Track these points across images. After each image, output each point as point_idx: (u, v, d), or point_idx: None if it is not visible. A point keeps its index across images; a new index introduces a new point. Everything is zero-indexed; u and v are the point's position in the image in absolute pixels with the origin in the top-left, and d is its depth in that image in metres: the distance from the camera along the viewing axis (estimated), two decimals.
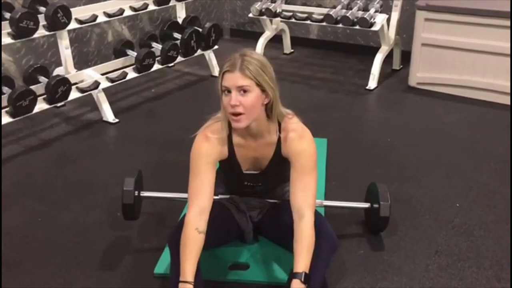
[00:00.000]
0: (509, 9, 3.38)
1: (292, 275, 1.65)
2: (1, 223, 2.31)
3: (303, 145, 1.81)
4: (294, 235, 1.73)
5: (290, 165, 1.82)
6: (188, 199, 1.79)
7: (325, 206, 2.22)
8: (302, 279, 1.63)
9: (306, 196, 1.77)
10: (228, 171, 2.00)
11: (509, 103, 3.54)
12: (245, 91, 1.67)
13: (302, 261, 1.66)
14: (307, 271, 1.65)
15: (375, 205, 2.11)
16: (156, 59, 3.77)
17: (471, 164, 2.82)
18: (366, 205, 2.21)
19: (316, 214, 1.85)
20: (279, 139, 1.84)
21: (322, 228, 1.79)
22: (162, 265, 1.99)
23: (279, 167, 1.92)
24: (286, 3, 4.29)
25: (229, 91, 1.68)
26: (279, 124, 1.84)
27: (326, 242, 1.76)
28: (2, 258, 2.08)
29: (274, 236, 2.06)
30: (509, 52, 3.44)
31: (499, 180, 2.64)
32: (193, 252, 1.69)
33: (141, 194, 2.22)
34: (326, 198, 2.37)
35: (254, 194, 2.05)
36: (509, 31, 3.40)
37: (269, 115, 1.79)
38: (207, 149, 1.81)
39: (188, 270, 1.65)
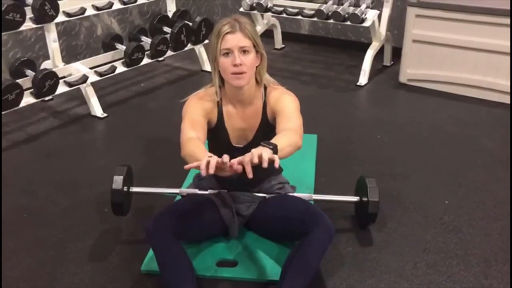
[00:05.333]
0: (499, 7, 3.39)
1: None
2: (1, 220, 2.29)
3: (286, 97, 1.92)
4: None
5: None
6: (180, 139, 1.80)
7: (314, 200, 2.21)
8: (269, 145, 1.59)
9: (292, 127, 1.79)
10: (216, 145, 2.01)
11: (498, 100, 3.55)
12: (245, 51, 1.79)
13: (277, 139, 1.66)
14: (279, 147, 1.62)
15: (364, 198, 2.11)
16: (146, 53, 3.74)
17: (460, 161, 2.83)
18: (355, 198, 2.20)
19: (313, 205, 1.86)
20: (265, 104, 1.93)
21: (319, 217, 1.81)
22: (149, 262, 1.96)
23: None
24: None
25: (229, 53, 1.78)
26: (265, 91, 1.94)
27: (323, 231, 1.77)
28: None
29: (264, 231, 2.07)
30: (499, 50, 3.45)
31: (488, 177, 2.65)
32: (201, 145, 1.74)
33: (131, 190, 2.20)
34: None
35: (242, 183, 2.02)
36: (499, 28, 3.40)
37: (257, 79, 1.92)
38: (199, 102, 1.91)
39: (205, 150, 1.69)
